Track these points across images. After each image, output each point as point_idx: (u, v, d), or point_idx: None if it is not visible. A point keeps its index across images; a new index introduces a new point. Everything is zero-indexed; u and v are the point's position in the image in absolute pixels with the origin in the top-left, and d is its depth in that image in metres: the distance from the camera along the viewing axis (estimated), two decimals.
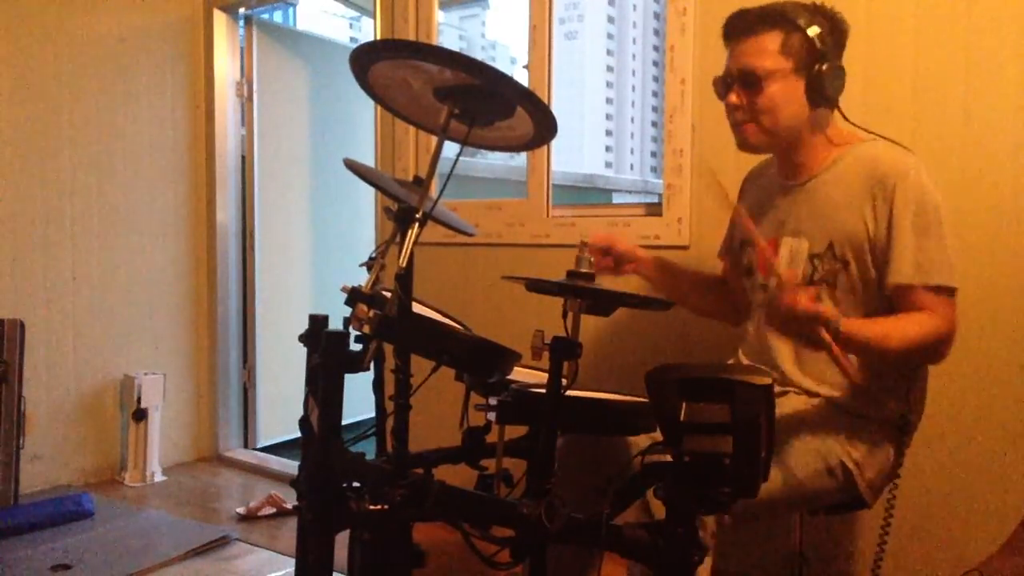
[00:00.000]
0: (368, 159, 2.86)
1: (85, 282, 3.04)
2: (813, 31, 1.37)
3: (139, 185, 3.20)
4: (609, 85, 71.46)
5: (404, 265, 1.10)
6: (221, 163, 3.42)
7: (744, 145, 1.47)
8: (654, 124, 71.76)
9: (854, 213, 1.38)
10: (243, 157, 3.53)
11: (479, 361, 1.27)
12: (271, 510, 2.73)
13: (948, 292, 1.34)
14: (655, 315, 2.14)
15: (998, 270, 1.71)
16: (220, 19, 3.38)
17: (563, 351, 1.12)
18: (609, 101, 71.89)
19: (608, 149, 72.32)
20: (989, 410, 1.74)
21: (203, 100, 3.40)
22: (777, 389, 1.42)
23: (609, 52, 71.12)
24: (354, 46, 1.18)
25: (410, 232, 1.10)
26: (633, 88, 72.39)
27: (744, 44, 1.41)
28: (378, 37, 2.80)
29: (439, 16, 2.81)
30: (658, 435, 1.06)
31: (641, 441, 1.31)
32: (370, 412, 1.40)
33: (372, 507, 1.11)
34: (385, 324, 1.10)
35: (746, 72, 1.40)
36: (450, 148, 1.24)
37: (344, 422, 1.26)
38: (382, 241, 1.27)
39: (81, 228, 3.03)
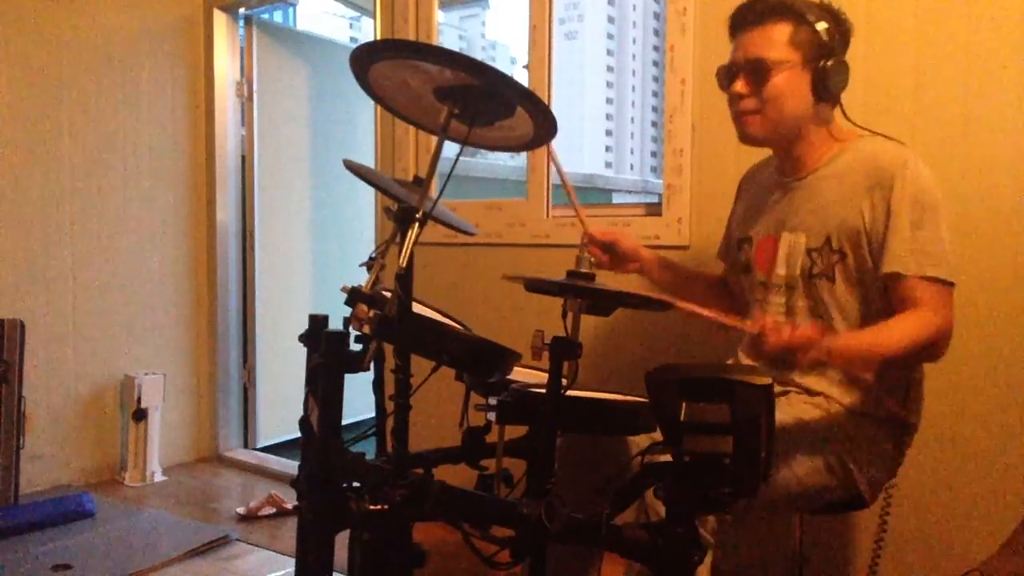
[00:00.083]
0: (368, 159, 2.86)
1: (85, 282, 3.05)
2: (821, 26, 1.38)
3: (139, 185, 3.20)
4: (609, 85, 71.46)
5: (404, 265, 1.10)
6: (221, 163, 3.42)
7: (745, 137, 1.47)
8: (654, 124, 71.78)
9: (851, 206, 1.39)
10: (243, 157, 3.53)
11: (479, 361, 1.27)
12: (271, 510, 2.73)
13: (944, 286, 1.33)
14: (655, 315, 2.14)
15: (998, 270, 1.71)
16: (220, 19, 3.38)
17: (563, 351, 1.12)
18: (609, 101, 71.89)
19: (608, 149, 72.33)
20: (989, 410, 1.74)
21: (203, 100, 3.40)
22: (777, 389, 1.41)
23: (609, 52, 71.13)
24: (354, 46, 1.18)
25: (410, 232, 1.10)
26: (633, 88, 72.40)
27: (752, 33, 1.41)
28: (378, 37, 2.80)
29: (439, 16, 2.81)
30: (658, 435, 1.06)
31: (641, 441, 1.31)
32: (370, 412, 1.40)
33: (372, 507, 1.11)
34: (385, 324, 1.10)
35: (754, 61, 1.40)
36: (450, 148, 1.24)
37: (344, 422, 1.27)
38: (382, 241, 1.27)
39: (81, 228, 3.03)
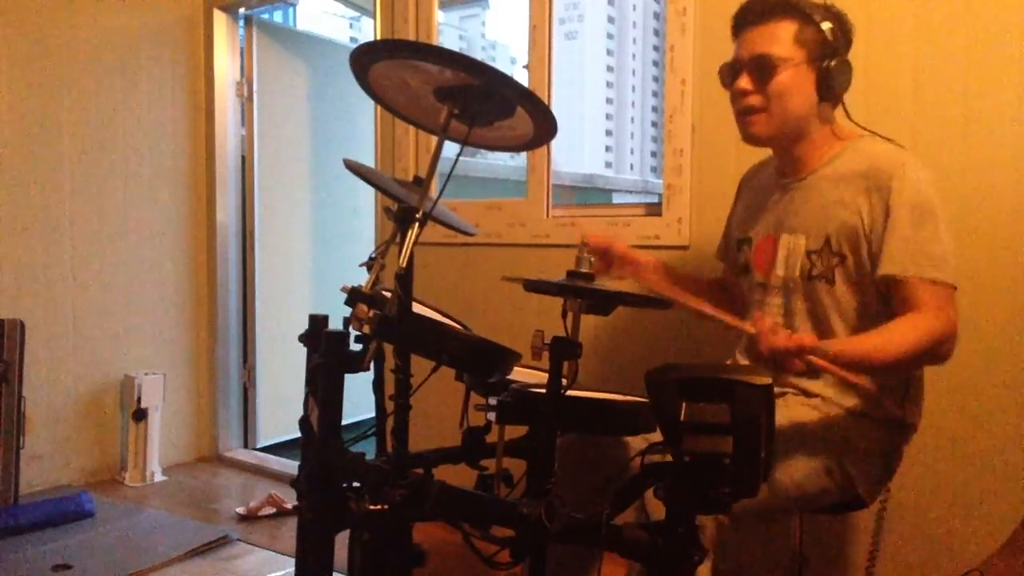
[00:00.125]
0: (368, 159, 2.86)
1: (85, 282, 3.05)
2: (826, 25, 1.39)
3: (139, 185, 3.20)
4: (609, 85, 71.45)
5: (404, 265, 1.10)
6: (221, 163, 3.42)
7: (749, 137, 1.46)
8: (654, 124, 71.75)
9: (850, 207, 1.38)
10: (243, 157, 3.53)
11: (479, 361, 1.28)
12: (271, 510, 2.73)
13: (946, 287, 1.33)
14: (655, 315, 2.14)
15: (998, 270, 1.71)
16: (220, 19, 3.38)
17: (563, 351, 1.12)
18: (609, 101, 71.88)
19: (608, 149, 72.32)
20: (989, 410, 1.74)
21: (203, 100, 3.40)
22: (775, 390, 1.41)
23: (609, 52, 71.12)
24: (354, 46, 1.18)
25: (410, 232, 1.11)
26: (633, 88, 72.38)
27: (758, 30, 1.40)
28: (378, 37, 2.80)
29: (439, 16, 2.81)
30: (658, 435, 1.06)
31: (640, 441, 1.31)
32: (370, 412, 1.40)
33: (372, 507, 1.11)
34: (385, 324, 1.10)
35: (759, 57, 1.39)
36: (450, 148, 1.24)
37: (344, 422, 1.27)
38: (382, 241, 1.27)
39: (81, 228, 3.03)
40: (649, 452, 1.12)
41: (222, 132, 3.42)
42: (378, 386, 1.40)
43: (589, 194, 9.29)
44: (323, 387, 1.24)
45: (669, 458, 1.05)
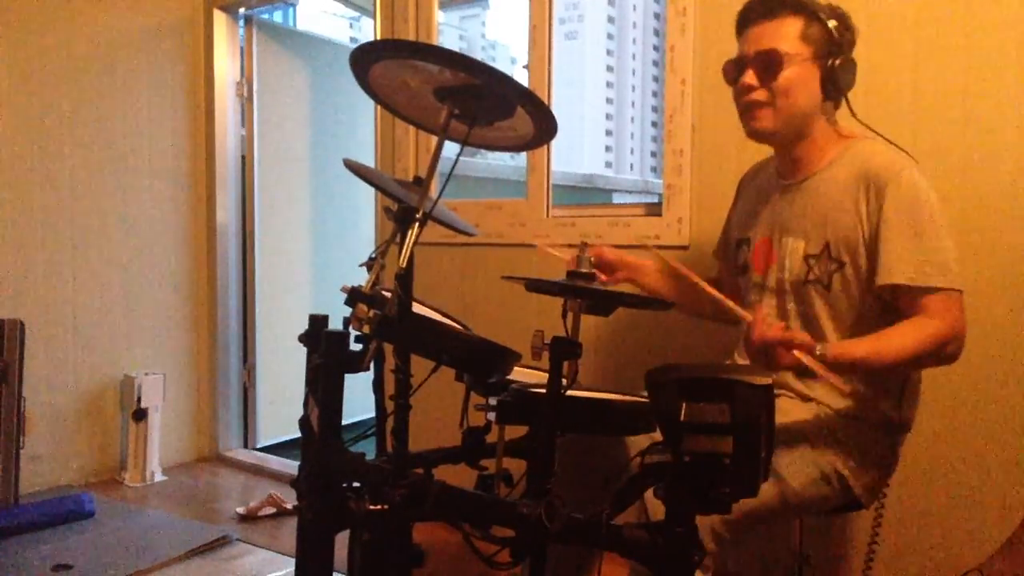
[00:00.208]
0: (368, 159, 2.86)
1: (85, 282, 3.05)
2: (832, 23, 1.39)
3: (139, 185, 3.20)
4: (609, 85, 71.47)
5: (404, 265, 1.10)
6: (221, 163, 3.42)
7: (753, 132, 1.45)
8: (654, 124, 71.78)
9: (849, 212, 1.38)
10: (243, 157, 3.53)
11: (479, 361, 1.27)
12: (271, 510, 2.73)
13: (951, 293, 1.32)
14: (655, 315, 2.14)
15: (998, 271, 1.71)
16: (220, 19, 3.38)
17: (563, 351, 1.12)
18: (609, 101, 71.90)
19: (608, 149, 72.33)
20: (988, 410, 1.74)
21: (203, 100, 3.40)
22: None
23: (609, 52, 71.13)
24: (354, 46, 1.18)
25: (410, 232, 1.10)
26: (633, 88, 72.41)
27: (764, 26, 1.40)
28: (378, 37, 2.80)
29: (439, 16, 2.81)
30: (658, 435, 1.06)
31: (641, 441, 1.31)
32: (370, 412, 1.40)
33: (372, 507, 1.11)
34: (385, 324, 1.10)
35: (766, 52, 1.39)
36: (450, 148, 1.24)
37: (344, 422, 1.26)
38: (382, 241, 1.27)
39: (81, 228, 3.03)
40: (649, 452, 1.12)
41: (222, 132, 3.42)
42: (378, 386, 1.40)
43: (589, 194, 9.29)
44: (323, 387, 1.24)
45: (669, 458, 1.05)
